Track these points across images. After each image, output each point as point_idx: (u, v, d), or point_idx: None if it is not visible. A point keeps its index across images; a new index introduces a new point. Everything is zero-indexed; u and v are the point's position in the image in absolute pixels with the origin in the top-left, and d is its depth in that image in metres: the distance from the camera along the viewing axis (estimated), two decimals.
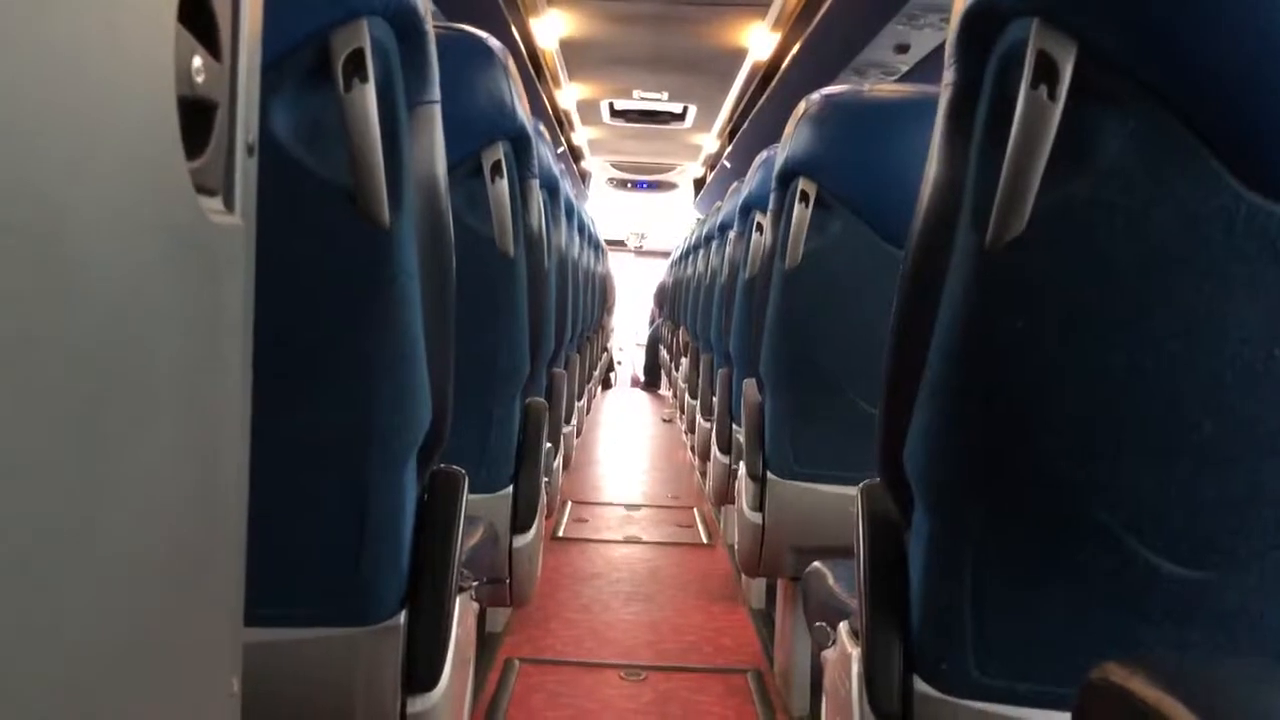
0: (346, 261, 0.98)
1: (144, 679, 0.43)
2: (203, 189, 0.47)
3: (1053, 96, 0.78)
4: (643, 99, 7.67)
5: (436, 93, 1.09)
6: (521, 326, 1.87)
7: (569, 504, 4.08)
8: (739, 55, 6.21)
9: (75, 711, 0.37)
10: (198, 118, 0.47)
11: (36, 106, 0.32)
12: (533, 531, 1.95)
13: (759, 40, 5.77)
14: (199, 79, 0.46)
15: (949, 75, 0.90)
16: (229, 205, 0.51)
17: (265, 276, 0.56)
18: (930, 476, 0.94)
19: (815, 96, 1.95)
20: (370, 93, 0.92)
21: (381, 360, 1.01)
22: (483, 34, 1.73)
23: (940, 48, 0.95)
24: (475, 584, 1.28)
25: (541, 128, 2.39)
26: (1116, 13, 0.78)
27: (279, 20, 0.72)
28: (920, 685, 0.96)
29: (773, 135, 2.30)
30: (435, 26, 1.10)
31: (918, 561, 0.97)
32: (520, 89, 1.79)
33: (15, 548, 0.32)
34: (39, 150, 0.33)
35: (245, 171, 0.52)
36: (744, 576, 2.90)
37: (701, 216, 7.72)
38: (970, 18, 0.87)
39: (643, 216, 13.46)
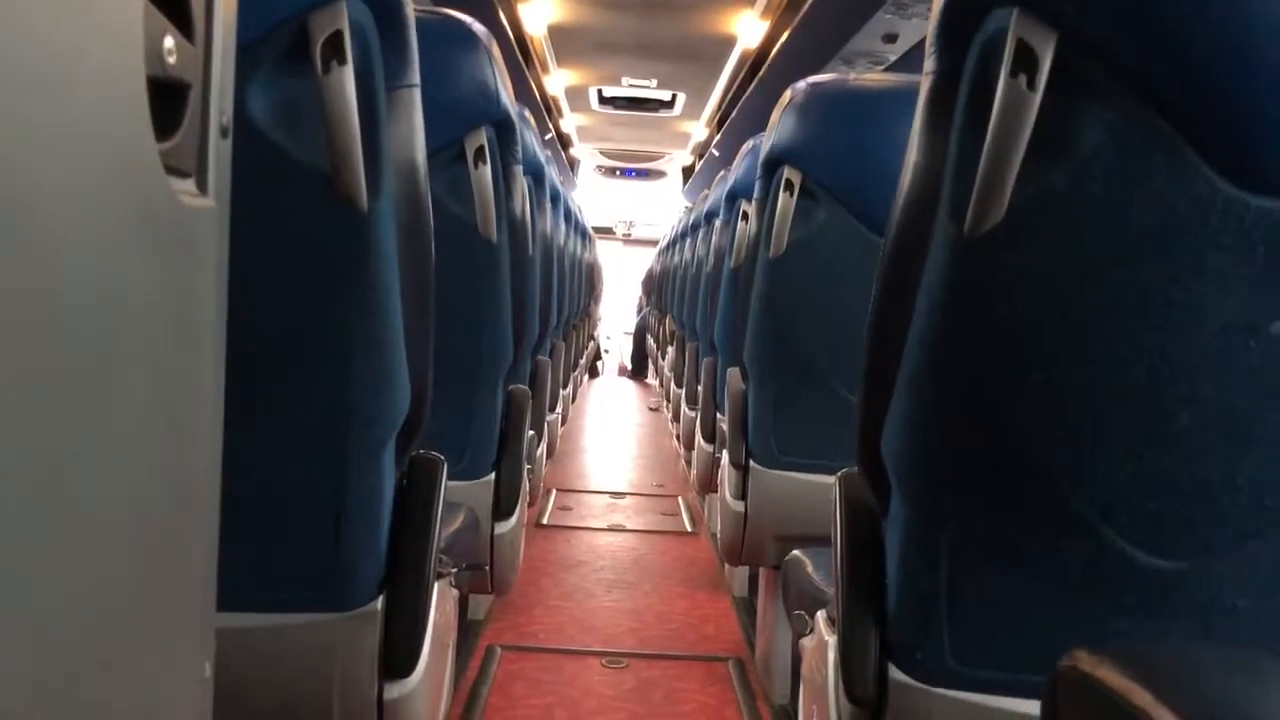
0: (323, 245, 0.97)
1: (113, 663, 0.43)
2: (174, 170, 0.47)
3: (1032, 86, 0.78)
4: (631, 86, 7.64)
5: (416, 76, 1.08)
6: (504, 313, 1.87)
7: (553, 492, 4.08)
8: (728, 43, 6.19)
9: (41, 694, 0.37)
10: (170, 99, 0.47)
11: (0, 85, 0.32)
12: (514, 519, 1.95)
13: (748, 28, 5.75)
14: (170, 59, 0.45)
15: (930, 64, 0.90)
16: (202, 187, 0.51)
17: (240, 260, 0.56)
18: (907, 465, 0.95)
19: (800, 85, 1.95)
20: (349, 75, 0.92)
21: (358, 345, 1.00)
22: (466, 18, 1.72)
23: None
24: (454, 570, 1.28)
25: (528, 114, 2.39)
26: (1096, 2, 0.78)
27: (256, 1, 0.71)
28: (895, 673, 0.96)
29: (761, 124, 2.30)
30: (418, 10, 1.10)
31: (894, 550, 0.97)
32: (504, 74, 1.78)
33: None
34: (2, 132, 0.32)
35: (219, 153, 0.52)
36: (727, 565, 2.91)
37: (689, 205, 7.72)
38: (951, 6, 0.87)
39: (631, 204, 13.44)
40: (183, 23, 0.47)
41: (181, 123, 0.48)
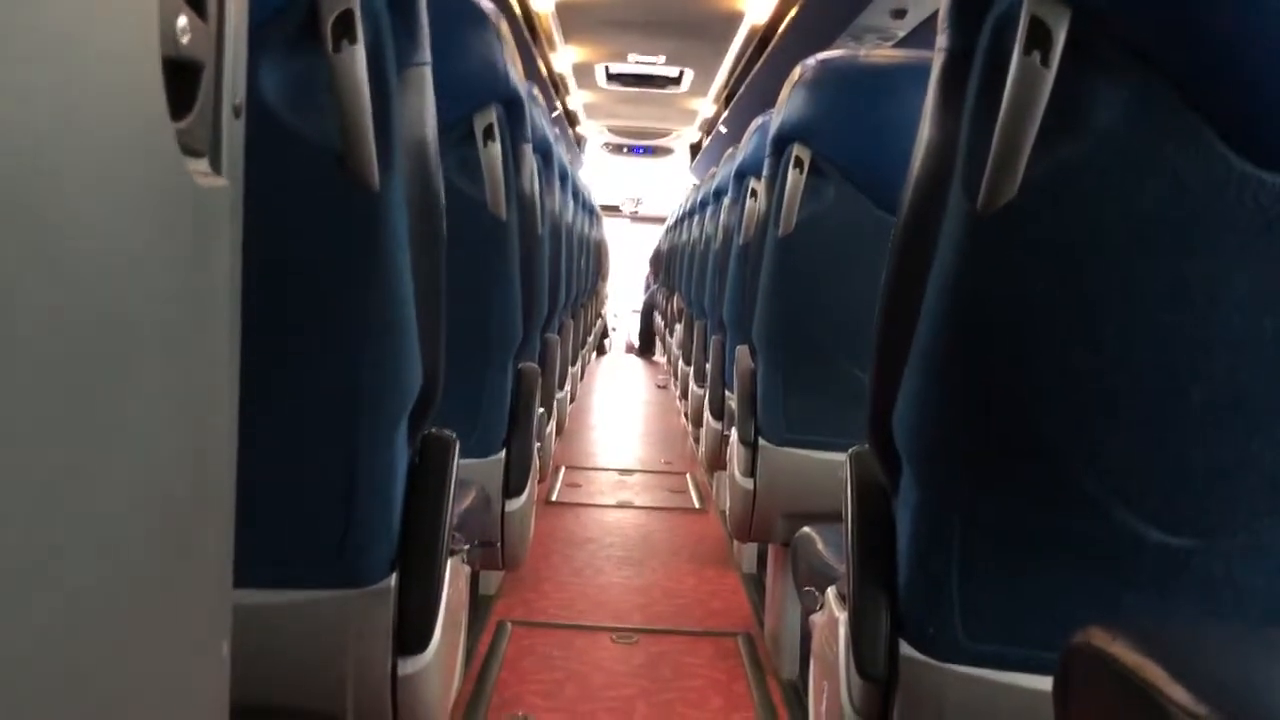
0: (335, 224, 0.97)
1: (133, 642, 0.43)
2: (189, 150, 0.47)
3: (1045, 62, 0.78)
4: (639, 63, 7.59)
5: (427, 54, 1.08)
6: (514, 291, 1.87)
7: (562, 469, 4.09)
8: (736, 19, 6.14)
9: (63, 672, 0.37)
10: (184, 78, 0.47)
11: (16, 67, 0.32)
12: (525, 496, 1.96)
13: (756, 3, 5.70)
14: (184, 39, 0.45)
15: (943, 40, 0.89)
16: (215, 167, 0.51)
17: (253, 239, 0.56)
18: (918, 442, 0.95)
19: (810, 62, 1.94)
20: (359, 54, 0.92)
21: (371, 324, 1.01)
22: None
23: (937, 13, 0.95)
24: (466, 547, 1.29)
25: (536, 92, 2.38)
26: None
27: None
28: (906, 649, 0.96)
29: (769, 100, 2.29)
30: None
31: (905, 527, 0.97)
32: (513, 52, 1.77)
33: (2, 512, 0.32)
34: (19, 112, 0.32)
35: (232, 133, 0.52)
36: (735, 541, 2.92)
37: (697, 182, 7.69)
38: None
39: (639, 182, 13.39)
40: (196, 2, 0.47)
41: (195, 102, 0.48)
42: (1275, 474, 0.84)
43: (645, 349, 9.88)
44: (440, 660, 1.12)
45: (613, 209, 12.80)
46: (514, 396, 1.96)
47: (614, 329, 11.01)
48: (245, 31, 0.53)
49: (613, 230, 11.16)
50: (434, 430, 1.19)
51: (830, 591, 1.20)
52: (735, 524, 2.24)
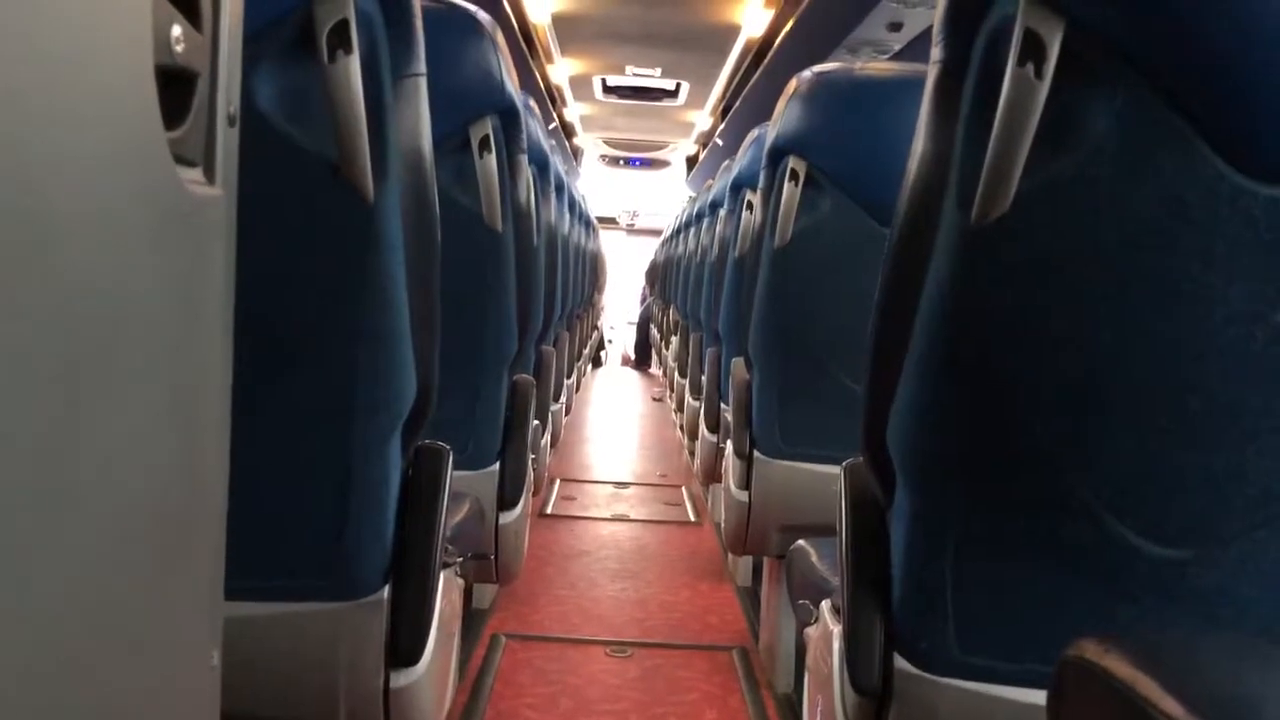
0: (330, 234, 0.98)
1: (123, 652, 0.43)
2: (182, 160, 0.47)
3: (1039, 74, 0.78)
4: (635, 75, 7.62)
5: (422, 65, 1.08)
6: (509, 302, 1.87)
7: (557, 481, 4.08)
8: (732, 31, 6.17)
9: (51, 683, 0.37)
10: (178, 88, 0.47)
11: (9, 75, 0.32)
12: (519, 508, 1.96)
13: (752, 16, 5.73)
14: (178, 49, 0.45)
15: (937, 53, 0.90)
16: (209, 176, 0.51)
17: (247, 248, 0.55)
18: (912, 454, 0.95)
19: (806, 74, 1.95)
20: (354, 64, 0.92)
21: (365, 334, 1.00)
22: (471, 7, 1.72)
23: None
24: (460, 559, 1.28)
25: (532, 103, 2.38)
26: None
27: None
28: (901, 663, 0.96)
29: (765, 113, 2.30)
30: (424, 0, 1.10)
31: (899, 539, 0.97)
32: (509, 63, 1.78)
33: None
34: (11, 120, 0.32)
35: (226, 142, 0.52)
36: (730, 555, 2.91)
37: (693, 194, 7.70)
38: None
39: (635, 194, 13.43)
40: (190, 12, 0.47)
41: (189, 112, 0.48)
42: (1269, 484, 0.84)
43: (641, 361, 9.88)
44: (433, 673, 1.12)
45: (609, 221, 12.83)
46: (509, 408, 1.95)
47: (610, 341, 11.01)
48: (240, 41, 0.53)
49: (609, 242, 11.18)
50: (428, 442, 1.18)
51: (825, 605, 1.20)
52: (730, 537, 2.23)
